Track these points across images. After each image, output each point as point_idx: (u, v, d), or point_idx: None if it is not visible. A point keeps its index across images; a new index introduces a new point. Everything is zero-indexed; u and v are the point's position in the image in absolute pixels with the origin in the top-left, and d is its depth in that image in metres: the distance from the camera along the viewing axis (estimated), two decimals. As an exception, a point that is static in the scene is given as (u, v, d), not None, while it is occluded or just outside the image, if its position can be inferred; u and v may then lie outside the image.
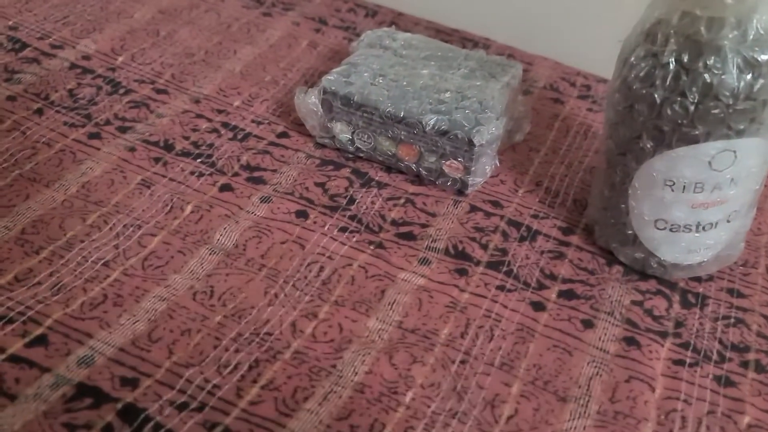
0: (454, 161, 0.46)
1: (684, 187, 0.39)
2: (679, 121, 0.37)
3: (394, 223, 0.45)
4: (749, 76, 0.35)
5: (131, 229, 0.43)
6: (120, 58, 0.55)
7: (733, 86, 0.35)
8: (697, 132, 0.36)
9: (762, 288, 0.43)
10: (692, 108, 0.36)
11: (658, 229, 0.41)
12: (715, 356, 0.39)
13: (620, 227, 0.42)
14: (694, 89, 0.35)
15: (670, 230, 0.40)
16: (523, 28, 0.63)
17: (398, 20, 0.64)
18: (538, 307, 0.41)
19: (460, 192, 0.48)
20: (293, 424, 0.34)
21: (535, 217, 0.47)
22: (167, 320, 0.38)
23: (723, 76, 0.35)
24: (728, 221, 0.40)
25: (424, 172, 0.47)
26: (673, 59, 0.36)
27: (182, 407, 0.34)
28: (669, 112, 0.36)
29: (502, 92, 0.49)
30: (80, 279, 0.39)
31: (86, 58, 0.55)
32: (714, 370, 0.39)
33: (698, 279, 0.44)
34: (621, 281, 0.43)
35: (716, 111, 0.36)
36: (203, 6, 0.63)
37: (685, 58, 0.35)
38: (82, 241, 0.41)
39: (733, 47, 0.34)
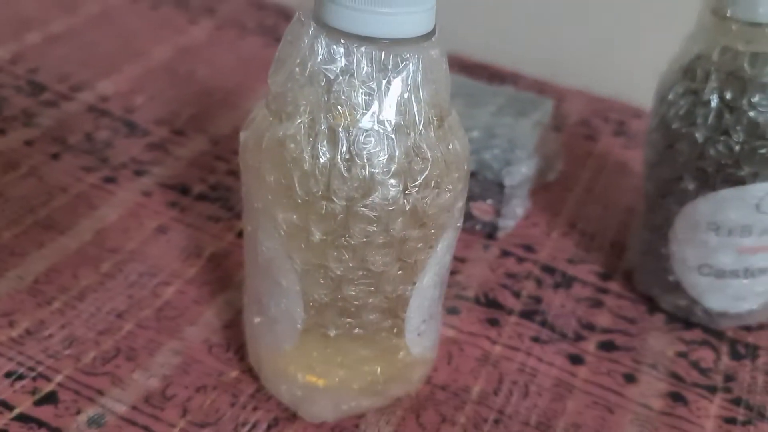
0: (484, 203, 0.44)
1: (730, 231, 0.36)
2: (723, 162, 0.34)
3: (420, 269, 0.43)
4: None
5: (146, 277, 0.41)
6: (138, 99, 0.54)
7: None
8: (743, 173, 0.34)
9: (817, 337, 0.41)
10: (737, 148, 0.34)
11: (702, 275, 0.38)
12: (769, 413, 0.36)
13: (662, 273, 0.40)
14: (738, 128, 0.33)
15: (716, 276, 0.38)
16: (553, 60, 0.61)
17: (423, 56, 0.62)
18: (576, 360, 0.39)
19: (491, 236, 0.45)
20: (314, 491, 0.32)
21: (570, 261, 0.45)
22: (182, 376, 0.36)
23: None
24: None
25: (451, 214, 0.45)
26: (715, 96, 0.34)
27: (196, 473, 0.32)
28: (712, 152, 0.34)
29: (533, 130, 0.47)
30: (93, 331, 0.38)
31: (104, 99, 0.54)
32: (769, 429, 0.36)
33: (748, 328, 0.41)
34: (664, 330, 0.40)
35: (763, 151, 0.33)
36: (223, 44, 0.62)
37: (728, 96, 0.33)
38: (95, 291, 0.40)
39: None
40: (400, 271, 0.30)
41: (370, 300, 0.30)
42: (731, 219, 0.36)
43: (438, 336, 0.36)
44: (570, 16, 0.62)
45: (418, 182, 0.28)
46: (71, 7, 0.64)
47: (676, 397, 0.37)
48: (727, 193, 0.35)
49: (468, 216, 0.45)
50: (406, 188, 0.28)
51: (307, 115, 0.27)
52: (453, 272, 0.43)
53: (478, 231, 0.45)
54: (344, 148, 0.27)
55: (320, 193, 0.27)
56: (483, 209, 0.44)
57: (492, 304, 0.41)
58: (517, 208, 0.45)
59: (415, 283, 0.30)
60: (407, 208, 0.28)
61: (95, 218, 0.44)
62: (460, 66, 0.61)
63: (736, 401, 0.37)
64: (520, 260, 0.44)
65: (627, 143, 0.55)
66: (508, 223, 0.45)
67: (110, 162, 0.48)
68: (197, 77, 0.58)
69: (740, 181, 0.35)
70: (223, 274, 0.42)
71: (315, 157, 0.27)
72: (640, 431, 0.35)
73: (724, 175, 0.35)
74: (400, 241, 0.29)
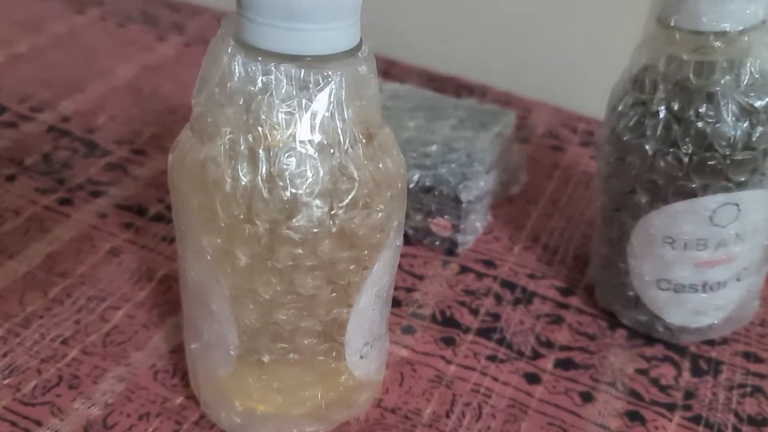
0: (442, 219, 0.43)
1: (685, 244, 0.35)
2: (674, 174, 0.33)
3: (377, 287, 0.42)
4: (746, 124, 0.32)
5: (95, 302, 0.40)
6: (100, 119, 0.54)
7: (729, 135, 0.32)
8: (693, 185, 0.33)
9: (782, 351, 0.39)
10: (686, 159, 0.33)
11: (661, 289, 0.37)
12: (730, 431, 0.35)
13: (621, 288, 0.39)
14: (687, 139, 0.32)
15: (674, 291, 0.37)
16: (521, 73, 0.61)
17: (391, 69, 0.62)
18: (533, 379, 0.38)
19: (450, 252, 0.45)
20: None
21: (531, 276, 0.44)
22: (125, 403, 0.35)
23: (717, 125, 0.32)
24: (738, 280, 0.36)
25: (410, 231, 0.44)
26: (663, 107, 0.33)
27: (132, 505, 0.31)
28: (662, 164, 0.33)
29: (493, 143, 0.46)
30: (35, 359, 0.37)
31: (65, 119, 0.53)
32: (730, 448, 0.35)
33: (711, 342, 0.40)
34: (624, 347, 0.39)
35: (713, 162, 0.32)
36: (190, 61, 0.62)
37: (676, 106, 0.32)
38: (41, 317, 0.39)
39: (726, 93, 0.31)
40: (333, 294, 0.29)
41: (303, 324, 0.29)
42: (686, 232, 0.35)
43: (385, 357, 0.35)
44: (538, 28, 0.61)
45: (344, 203, 0.27)
46: (36, 27, 0.63)
47: (634, 416, 0.36)
48: (679, 206, 0.34)
49: (427, 232, 0.44)
50: (332, 209, 0.27)
51: (227, 136, 0.26)
52: (410, 290, 0.42)
53: (437, 247, 0.44)
54: (265, 169, 0.26)
55: (242, 216, 0.26)
56: (441, 225, 0.43)
57: (448, 322, 0.40)
58: (477, 223, 0.44)
59: (351, 306, 0.29)
60: (334, 229, 0.27)
61: (47, 241, 0.43)
62: (428, 78, 0.60)
63: (696, 419, 0.36)
64: (480, 276, 0.43)
65: (595, 153, 0.53)
66: (467, 239, 0.44)
67: (67, 183, 0.48)
68: (161, 95, 0.57)
69: (692, 194, 0.34)
70: (173, 297, 0.41)
71: (236, 179, 0.26)
72: (595, 453, 0.34)
73: (675, 187, 0.34)
74: (330, 263, 0.28)
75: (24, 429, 0.34)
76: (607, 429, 0.35)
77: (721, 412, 0.36)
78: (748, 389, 0.37)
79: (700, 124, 0.32)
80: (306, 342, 0.29)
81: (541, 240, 0.46)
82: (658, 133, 0.33)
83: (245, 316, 0.28)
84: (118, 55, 0.61)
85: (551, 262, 0.45)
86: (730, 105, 0.31)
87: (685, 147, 0.32)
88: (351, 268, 0.28)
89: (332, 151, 0.26)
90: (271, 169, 0.26)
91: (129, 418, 0.34)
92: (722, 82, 0.31)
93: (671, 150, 0.33)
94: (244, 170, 0.26)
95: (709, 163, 0.32)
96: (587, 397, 0.37)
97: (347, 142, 0.27)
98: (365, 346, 0.32)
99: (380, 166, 0.28)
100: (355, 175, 0.27)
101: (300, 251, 0.27)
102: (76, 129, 0.53)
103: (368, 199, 0.27)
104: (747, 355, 0.39)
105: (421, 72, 0.61)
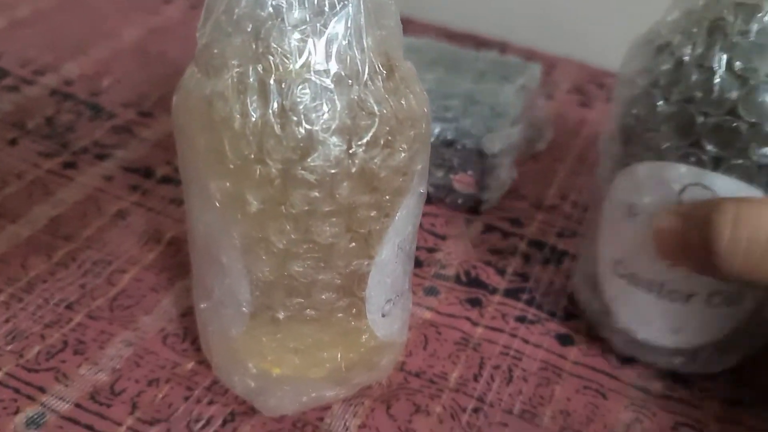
0: (465, 175, 0.41)
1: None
2: (647, 120, 0.29)
3: (397, 248, 0.39)
4: (736, 84, 0.27)
5: (101, 265, 0.38)
6: (105, 82, 0.52)
7: (714, 90, 0.28)
8: (663, 144, 0.29)
9: None
10: (660, 102, 0.29)
11: (617, 275, 0.33)
12: None
13: (589, 268, 0.35)
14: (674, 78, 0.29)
15: (629, 281, 0.32)
16: (543, 28, 0.58)
17: (407, 27, 0.59)
18: (566, 340, 0.35)
19: (474, 210, 0.42)
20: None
21: (560, 235, 0.41)
22: (133, 369, 0.33)
23: (706, 75, 0.27)
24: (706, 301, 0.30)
25: (431, 189, 0.42)
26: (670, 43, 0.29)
27: (142, 474, 0.29)
28: (638, 107, 0.30)
29: (517, 95, 0.43)
30: (39, 324, 0.35)
31: (68, 83, 0.51)
32: None
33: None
34: (663, 306, 0.37)
35: (685, 117, 0.28)
36: (194, 24, 0.59)
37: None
38: (45, 281, 0.37)
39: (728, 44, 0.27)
40: (352, 244, 0.26)
41: (320, 276, 0.27)
42: (648, 205, 0.29)
43: (408, 317, 0.32)
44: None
45: (364, 140, 0.24)
46: (39, -9, 0.61)
47: (677, 378, 0.33)
48: (645, 167, 0.29)
49: (449, 189, 0.42)
50: (350, 147, 0.24)
51: (235, 69, 0.24)
52: (432, 250, 0.40)
53: (460, 205, 0.42)
54: (276, 104, 0.23)
55: (253, 155, 0.24)
56: (464, 181, 0.41)
57: (474, 282, 0.38)
58: (502, 180, 0.42)
59: (372, 258, 0.27)
60: (353, 170, 0.25)
61: (50, 205, 0.41)
62: (446, 35, 0.58)
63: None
64: (506, 235, 0.41)
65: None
66: (492, 196, 0.41)
67: (71, 147, 0.46)
68: (169, 58, 0.55)
69: (660, 154, 0.29)
70: (183, 259, 0.38)
71: (245, 115, 0.24)
72: (635, 417, 0.32)
73: (644, 141, 0.29)
74: (349, 209, 0.25)
75: (27, 395, 0.32)
76: (647, 392, 0.33)
77: (770, 373, 0.34)
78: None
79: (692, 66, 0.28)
80: (324, 297, 0.27)
81: (569, 198, 0.44)
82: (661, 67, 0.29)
83: (258, 268, 0.26)
84: (123, 18, 0.59)
85: (581, 221, 0.42)
86: (727, 59, 0.27)
87: (667, 86, 0.28)
88: (372, 215, 0.26)
89: (350, 83, 0.24)
90: (284, 103, 0.24)
91: (137, 384, 0.32)
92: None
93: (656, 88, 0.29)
94: (254, 105, 0.24)
95: (681, 115, 0.28)
96: (626, 359, 0.34)
97: (366, 73, 0.24)
98: (387, 303, 0.29)
99: (402, 102, 0.26)
100: (376, 110, 0.24)
101: (316, 194, 0.24)
102: (80, 92, 0.50)
103: (390, 138, 0.25)
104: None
105: (439, 29, 0.59)
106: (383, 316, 0.30)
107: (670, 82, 0.28)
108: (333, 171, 0.24)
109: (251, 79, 0.24)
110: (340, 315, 0.28)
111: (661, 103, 0.28)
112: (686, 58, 0.28)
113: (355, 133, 0.24)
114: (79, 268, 0.38)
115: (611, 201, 0.31)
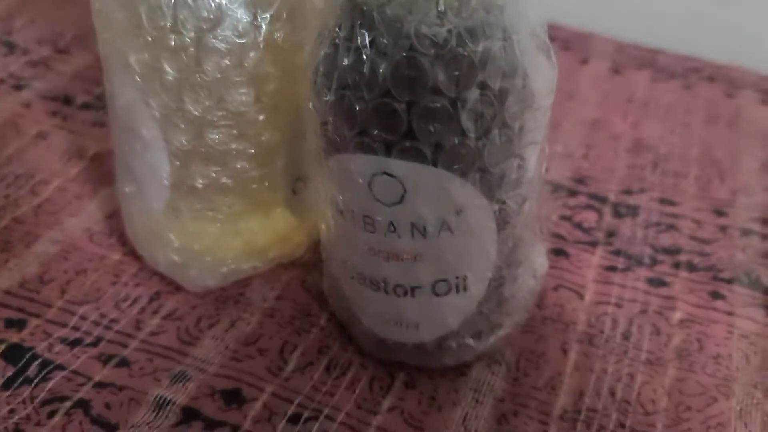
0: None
1: (353, 216, 0.28)
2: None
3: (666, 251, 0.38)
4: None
5: (23, 178, 0.40)
6: (18, 22, 0.53)
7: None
8: (338, 137, 0.27)
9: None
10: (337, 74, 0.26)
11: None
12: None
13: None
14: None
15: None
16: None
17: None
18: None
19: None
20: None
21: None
22: (60, 262, 0.35)
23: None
24: (412, 293, 0.29)
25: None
26: None
27: (75, 343, 0.32)
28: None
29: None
30: (-36, 229, 0.36)
31: (-19, 23, 0.52)
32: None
33: (627, 189, 0.42)
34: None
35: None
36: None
37: None
38: (-31, 193, 0.38)
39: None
40: (261, 116, 0.29)
41: (234, 146, 0.29)
42: (346, 201, 0.27)
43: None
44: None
45: (268, 13, 0.27)
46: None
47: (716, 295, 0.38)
48: (337, 161, 0.27)
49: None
50: (256, 20, 0.27)
51: (148, -52, 0.27)
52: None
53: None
54: (188, -23, 0.26)
55: (168, 25, 0.27)
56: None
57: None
58: None
59: (282, 130, 0.30)
60: (260, 40, 0.28)
61: (-31, 129, 0.43)
62: None
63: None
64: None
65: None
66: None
67: (-13, 79, 0.47)
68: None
69: (343, 146, 0.27)
70: (108, 171, 0.40)
71: (160, -12, 0.26)
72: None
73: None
74: (258, 79, 0.28)
75: (-43, 286, 0.33)
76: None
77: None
78: (663, 225, 0.40)
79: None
80: (238, 166, 0.30)
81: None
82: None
83: (176, 138, 0.29)
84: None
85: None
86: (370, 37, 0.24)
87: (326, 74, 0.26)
88: (276, 87, 0.29)
89: (255, -39, 0.27)
90: (195, -23, 0.26)
91: (66, 274, 0.35)
92: None
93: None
94: (168, -21, 0.26)
95: (341, 104, 0.25)
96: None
97: (269, -47, 0.27)
98: (298, 182, 0.33)
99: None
100: (279, -14, 0.27)
101: (227, 62, 0.27)
102: (-6, 32, 0.51)
103: (293, 13, 0.28)
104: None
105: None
106: (294, 193, 0.33)
107: (328, 69, 0.26)
108: (241, 41, 0.27)
109: (164, -44, 0.26)
110: (254, 186, 0.31)
111: (326, 91, 0.26)
112: (337, 41, 0.25)
113: (260, 6, 0.27)
114: (1, 181, 0.39)
115: (321, 197, 0.29)
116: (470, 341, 0.30)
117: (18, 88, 0.46)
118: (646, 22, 0.54)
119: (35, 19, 0.53)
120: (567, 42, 0.54)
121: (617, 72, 0.51)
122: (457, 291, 0.28)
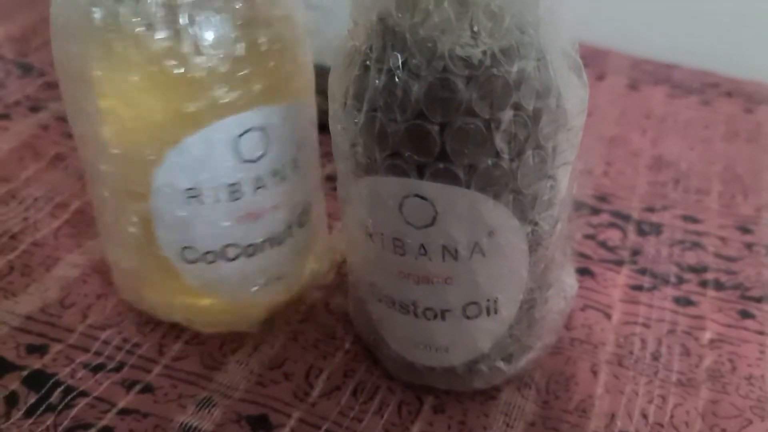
0: None
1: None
2: None
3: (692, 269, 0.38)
4: None
5: (42, 201, 0.39)
6: (34, 44, 0.53)
7: None
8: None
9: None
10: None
11: None
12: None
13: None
14: None
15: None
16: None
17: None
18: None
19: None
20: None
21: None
22: (81, 286, 0.35)
23: None
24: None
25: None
26: None
27: (98, 368, 0.31)
28: None
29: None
30: (-16, 254, 0.36)
31: (-4, 46, 0.52)
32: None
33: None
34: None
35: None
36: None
37: None
38: (-13, 217, 0.38)
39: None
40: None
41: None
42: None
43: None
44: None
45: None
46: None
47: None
48: None
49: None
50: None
51: None
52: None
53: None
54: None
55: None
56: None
57: None
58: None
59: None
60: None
61: (-13, 152, 0.43)
62: None
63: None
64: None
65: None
66: None
67: (3, 101, 0.47)
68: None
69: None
70: (124, 193, 0.40)
71: None
72: None
73: None
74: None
75: (-22, 311, 0.33)
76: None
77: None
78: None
79: None
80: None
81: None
82: None
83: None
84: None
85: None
86: (402, 58, 0.24)
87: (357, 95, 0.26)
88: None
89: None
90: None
91: (86, 298, 0.34)
92: None
93: None
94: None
95: (372, 125, 0.25)
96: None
97: None
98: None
99: None
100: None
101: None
102: (8, 53, 0.51)
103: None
104: (684, 215, 0.41)
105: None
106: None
107: (358, 91, 0.25)
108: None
109: None
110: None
111: (356, 113, 0.25)
112: (368, 63, 0.25)
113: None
114: (20, 204, 0.39)
115: (349, 219, 0.29)
116: (501, 364, 0.30)
117: (35, 110, 0.46)
118: (661, 37, 0.54)
119: (48, 42, 0.53)
120: (582, 58, 0.54)
121: (634, 88, 0.51)
122: (488, 314, 0.28)
